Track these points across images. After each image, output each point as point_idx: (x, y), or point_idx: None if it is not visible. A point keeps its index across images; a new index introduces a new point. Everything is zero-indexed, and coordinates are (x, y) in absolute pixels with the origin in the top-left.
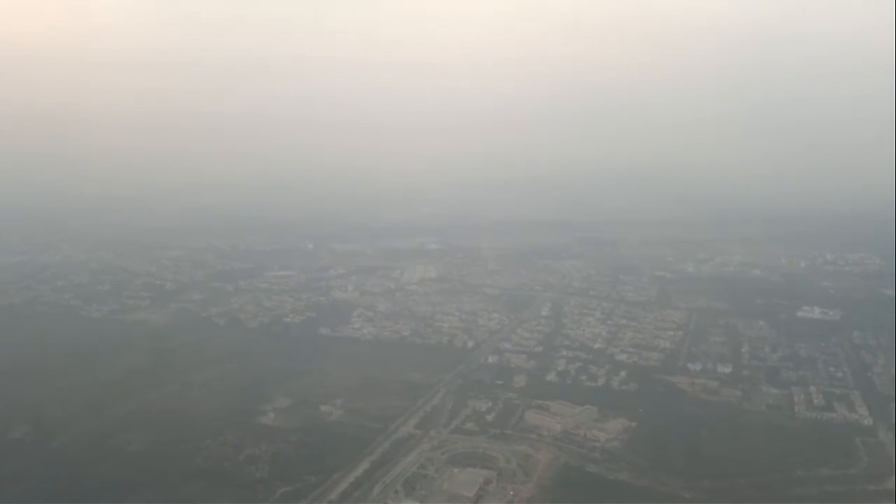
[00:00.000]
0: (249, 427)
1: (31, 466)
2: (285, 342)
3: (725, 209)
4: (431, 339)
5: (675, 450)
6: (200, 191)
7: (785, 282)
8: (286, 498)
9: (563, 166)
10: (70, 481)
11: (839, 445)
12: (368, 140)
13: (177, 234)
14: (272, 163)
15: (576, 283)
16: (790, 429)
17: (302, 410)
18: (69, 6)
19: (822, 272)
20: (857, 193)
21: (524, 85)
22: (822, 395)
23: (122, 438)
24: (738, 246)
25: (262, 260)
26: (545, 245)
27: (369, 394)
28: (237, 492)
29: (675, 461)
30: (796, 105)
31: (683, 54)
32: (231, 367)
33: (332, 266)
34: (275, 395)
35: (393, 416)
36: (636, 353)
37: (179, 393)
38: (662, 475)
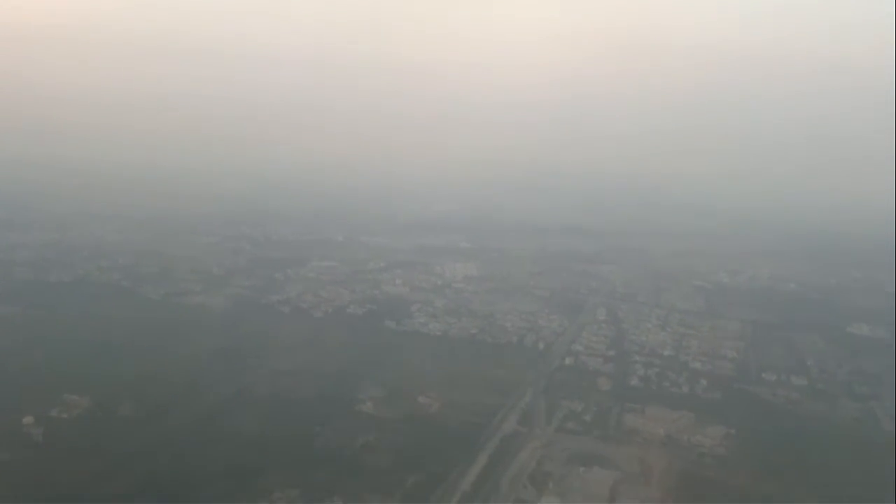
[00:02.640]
0: (353, 415)
1: (152, 445)
2: (355, 333)
3: (741, 220)
4: (501, 338)
5: (784, 458)
6: (215, 177)
7: (823, 297)
8: (417, 488)
9: (579, 170)
10: (196, 462)
11: None
12: (379, 134)
13: (204, 221)
14: (282, 151)
15: (619, 288)
16: (884, 443)
17: (399, 401)
18: None
19: (853, 289)
20: (858, 207)
21: (542, 87)
22: None
23: (231, 421)
24: (762, 259)
25: (298, 250)
26: (575, 249)
27: (460, 388)
28: (366, 480)
29: (787, 470)
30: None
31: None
32: (312, 356)
33: (371, 259)
34: (364, 384)
35: (491, 411)
36: (708, 362)
37: (271, 378)
38: (781, 483)
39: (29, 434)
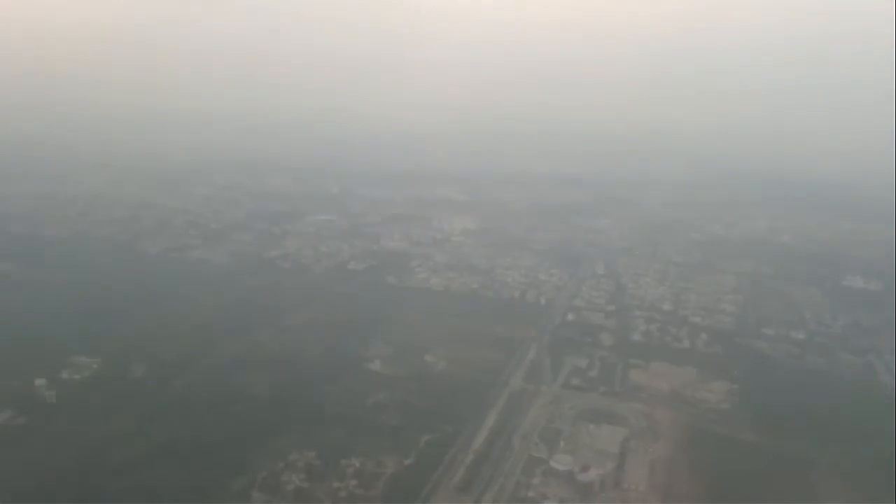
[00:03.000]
0: (361, 373)
1: (167, 406)
2: (358, 289)
3: (733, 171)
4: (502, 293)
5: (788, 413)
6: (202, 124)
7: (818, 250)
8: (431, 446)
9: (567, 119)
10: (211, 423)
11: None
12: (371, 82)
13: (197, 170)
14: (269, 97)
15: (617, 242)
16: (883, 396)
17: (406, 359)
18: None
19: (847, 242)
20: (854, 159)
21: (532, 31)
22: None
23: (242, 381)
24: (756, 210)
25: (294, 203)
26: (570, 202)
27: (465, 346)
28: (379, 439)
29: (791, 425)
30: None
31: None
32: (317, 313)
33: (368, 213)
34: (371, 342)
35: (497, 368)
36: (708, 316)
37: (278, 337)
38: (787, 438)
39: (42, 397)
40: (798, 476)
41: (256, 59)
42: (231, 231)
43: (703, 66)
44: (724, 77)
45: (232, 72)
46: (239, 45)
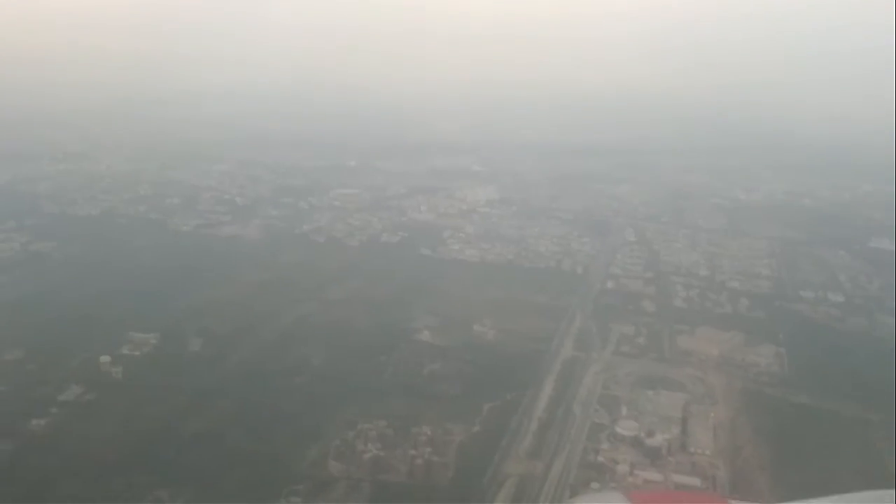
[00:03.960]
0: (413, 344)
1: (228, 380)
2: (394, 262)
3: (744, 134)
4: (538, 262)
5: (838, 375)
6: (209, 101)
7: (841, 212)
8: (494, 414)
9: (576, 90)
10: (276, 396)
11: None
12: (372, 52)
13: (212, 147)
14: (272, 71)
15: (641, 209)
16: None
17: (454, 329)
18: None
19: (869, 204)
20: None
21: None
22: None
23: (298, 353)
24: (772, 174)
25: (316, 177)
26: (587, 169)
27: (510, 315)
28: (443, 408)
29: (843, 386)
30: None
31: None
32: (358, 285)
33: (389, 185)
34: (416, 313)
35: (545, 337)
36: (746, 281)
37: (326, 309)
38: (841, 400)
39: (109, 373)
40: (859, 437)
41: (260, 34)
42: (258, 206)
43: (701, 36)
44: (722, 45)
45: (238, 48)
46: (243, 20)
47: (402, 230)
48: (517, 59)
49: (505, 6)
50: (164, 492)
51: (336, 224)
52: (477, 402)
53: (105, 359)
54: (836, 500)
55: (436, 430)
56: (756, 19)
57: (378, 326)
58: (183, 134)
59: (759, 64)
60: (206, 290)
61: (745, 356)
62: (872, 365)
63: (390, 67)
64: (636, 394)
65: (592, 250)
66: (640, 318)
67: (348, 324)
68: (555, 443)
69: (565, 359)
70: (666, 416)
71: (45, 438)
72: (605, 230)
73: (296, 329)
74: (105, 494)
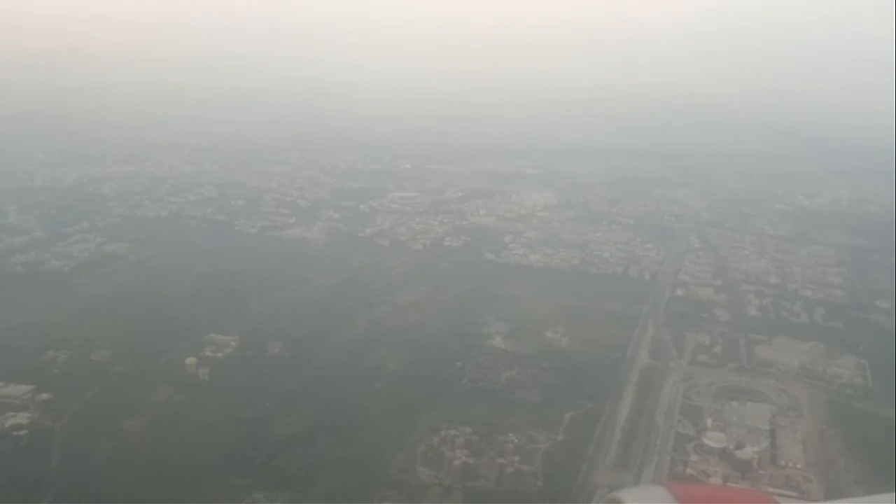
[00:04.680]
0: (487, 350)
1: (312, 383)
2: (458, 266)
3: (788, 139)
4: (604, 268)
5: None
6: (256, 102)
7: None
8: (577, 422)
9: (622, 92)
10: (358, 400)
11: None
12: (412, 57)
13: (266, 148)
14: (312, 74)
15: (702, 214)
16: None
17: (527, 336)
18: None
19: None
20: None
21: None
22: None
23: (375, 357)
24: (832, 179)
25: (370, 179)
26: (641, 173)
27: (581, 322)
28: (526, 416)
29: None
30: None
31: None
32: (427, 289)
33: (446, 188)
34: (486, 318)
35: (619, 345)
36: (819, 290)
37: (397, 313)
38: None
39: (195, 374)
40: None
41: (299, 36)
42: (320, 209)
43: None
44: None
45: (277, 49)
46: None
47: (463, 234)
48: (559, 62)
49: (549, 9)
50: (260, 494)
51: (398, 227)
52: (558, 411)
53: (191, 360)
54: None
55: (521, 437)
56: (809, 23)
57: (450, 331)
58: (238, 135)
59: (810, 68)
60: (278, 292)
61: (827, 367)
62: None
63: (427, 70)
64: (719, 405)
65: (658, 256)
66: (714, 326)
67: (421, 328)
68: (641, 453)
69: (642, 368)
70: (753, 428)
71: (141, 439)
72: (668, 236)
73: (370, 333)
74: (204, 496)
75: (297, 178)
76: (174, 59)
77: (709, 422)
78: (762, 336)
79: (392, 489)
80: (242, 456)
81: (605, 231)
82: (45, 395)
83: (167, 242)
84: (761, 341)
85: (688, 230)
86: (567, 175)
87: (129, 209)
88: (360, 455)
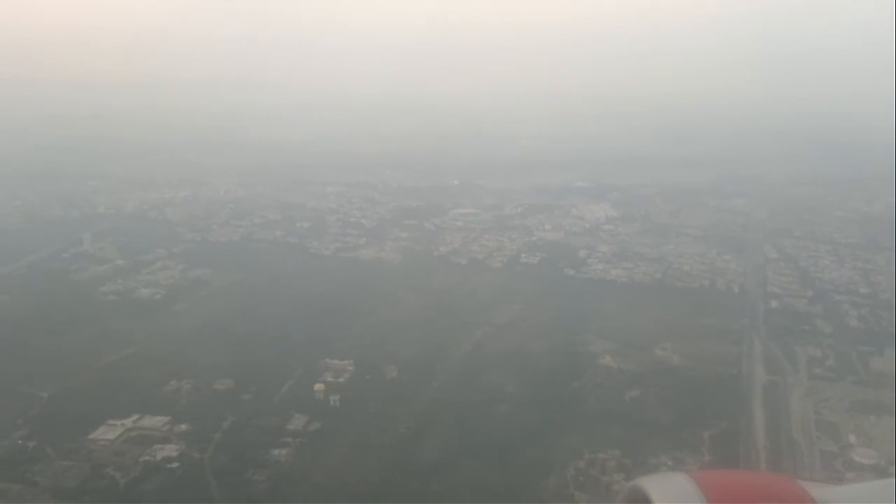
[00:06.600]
0: (599, 370)
1: (440, 408)
2: (542, 283)
3: (822, 145)
4: (689, 282)
5: None
6: (295, 119)
7: None
8: (716, 442)
9: (653, 102)
10: (492, 423)
11: None
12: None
13: (313, 168)
14: (353, 88)
15: (768, 223)
16: None
17: (635, 354)
18: None
19: None
20: None
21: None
22: None
23: (491, 380)
24: (882, 185)
25: (426, 197)
26: (692, 182)
27: (686, 338)
28: (664, 435)
29: None
30: None
31: None
32: (519, 308)
33: (503, 204)
34: (588, 337)
35: (731, 361)
36: None
37: (498, 334)
38: None
39: (326, 401)
40: None
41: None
42: (385, 228)
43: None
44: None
45: (314, 64)
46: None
47: (537, 250)
48: (595, 71)
49: (583, 17)
50: None
51: (471, 245)
52: (695, 431)
53: (319, 387)
54: (840, 490)
55: (670, 459)
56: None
57: (556, 351)
58: (281, 157)
59: (824, 73)
60: (373, 314)
61: None
62: None
63: (452, 82)
64: (856, 420)
65: (739, 268)
66: (820, 339)
67: (526, 349)
68: (793, 472)
69: (763, 384)
70: None
71: (291, 468)
72: (741, 247)
73: (477, 355)
74: None
75: (352, 197)
76: (208, 82)
77: (851, 438)
78: (871, 348)
79: None
80: (394, 484)
81: (677, 244)
82: (182, 426)
83: (247, 267)
84: (872, 353)
85: (758, 240)
86: (617, 187)
87: (198, 234)
88: (508, 481)
